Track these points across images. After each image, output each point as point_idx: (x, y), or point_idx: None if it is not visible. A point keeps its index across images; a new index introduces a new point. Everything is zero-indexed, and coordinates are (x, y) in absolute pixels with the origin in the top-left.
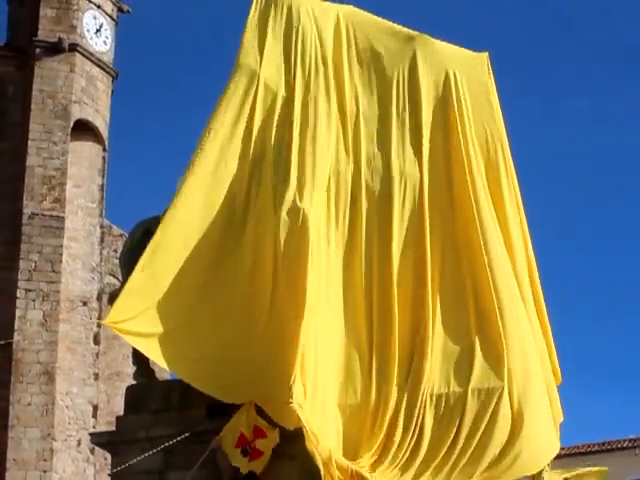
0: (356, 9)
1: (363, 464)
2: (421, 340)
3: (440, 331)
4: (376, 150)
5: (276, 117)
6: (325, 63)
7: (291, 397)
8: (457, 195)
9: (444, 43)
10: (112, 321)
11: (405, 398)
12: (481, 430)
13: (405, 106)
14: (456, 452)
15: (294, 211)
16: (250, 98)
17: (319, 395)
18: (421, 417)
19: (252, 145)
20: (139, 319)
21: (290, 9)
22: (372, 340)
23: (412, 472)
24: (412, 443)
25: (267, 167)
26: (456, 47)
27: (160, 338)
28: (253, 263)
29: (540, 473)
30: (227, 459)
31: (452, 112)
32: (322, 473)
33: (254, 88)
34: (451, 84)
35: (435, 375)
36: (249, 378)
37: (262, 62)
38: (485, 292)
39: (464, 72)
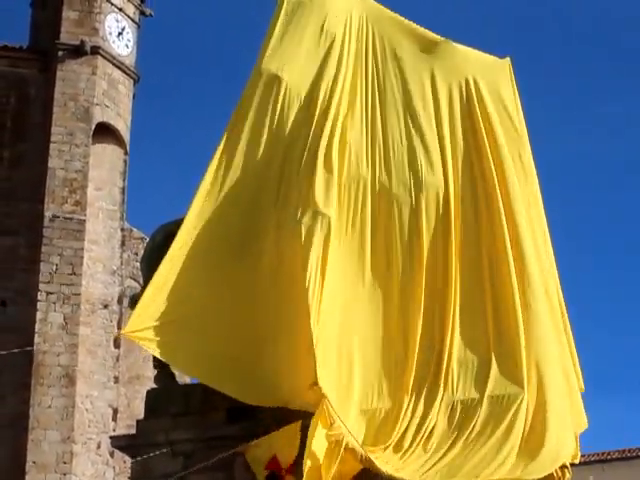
0: (381, 8)
1: (377, 454)
2: (439, 349)
3: (458, 340)
4: (400, 157)
5: (299, 120)
6: (347, 66)
7: (316, 382)
8: (484, 207)
9: (467, 48)
10: (130, 330)
11: (421, 405)
12: (496, 434)
13: (426, 112)
14: (467, 451)
15: (315, 217)
16: (271, 101)
17: (342, 395)
18: (434, 421)
19: (276, 147)
20: (156, 327)
21: (314, 11)
22: (393, 346)
23: (420, 463)
24: (422, 441)
25: (291, 169)
26: (479, 52)
27: (177, 342)
28: (276, 266)
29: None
30: (247, 469)
31: (476, 120)
32: (324, 449)
33: (275, 91)
34: (472, 90)
35: (452, 383)
36: (270, 379)
37: (285, 65)
38: (507, 302)
39: (487, 78)
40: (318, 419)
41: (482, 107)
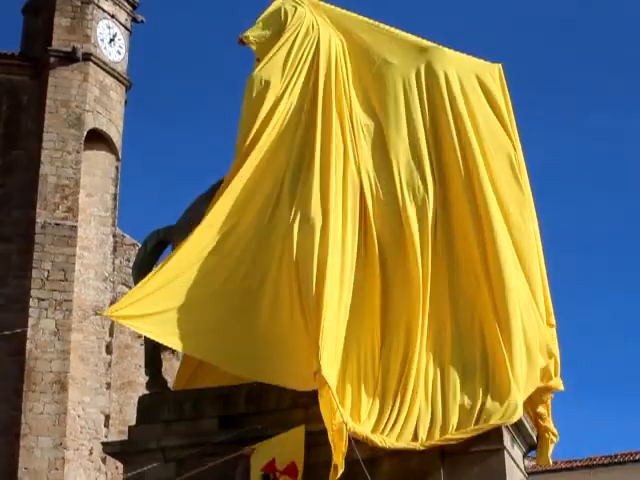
0: (365, 19)
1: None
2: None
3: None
4: (387, 163)
5: (290, 128)
6: (336, 72)
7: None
8: (460, 207)
9: (456, 52)
10: (111, 312)
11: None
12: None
13: (415, 118)
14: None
15: (312, 223)
16: (267, 108)
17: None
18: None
19: (273, 155)
20: (139, 303)
21: (302, 19)
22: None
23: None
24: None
25: (287, 177)
26: (469, 57)
27: (163, 316)
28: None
29: None
30: (245, 473)
31: (462, 123)
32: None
33: (273, 99)
34: (459, 93)
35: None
36: (265, 350)
37: (276, 75)
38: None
39: (475, 81)
40: (324, 408)
41: (472, 110)
